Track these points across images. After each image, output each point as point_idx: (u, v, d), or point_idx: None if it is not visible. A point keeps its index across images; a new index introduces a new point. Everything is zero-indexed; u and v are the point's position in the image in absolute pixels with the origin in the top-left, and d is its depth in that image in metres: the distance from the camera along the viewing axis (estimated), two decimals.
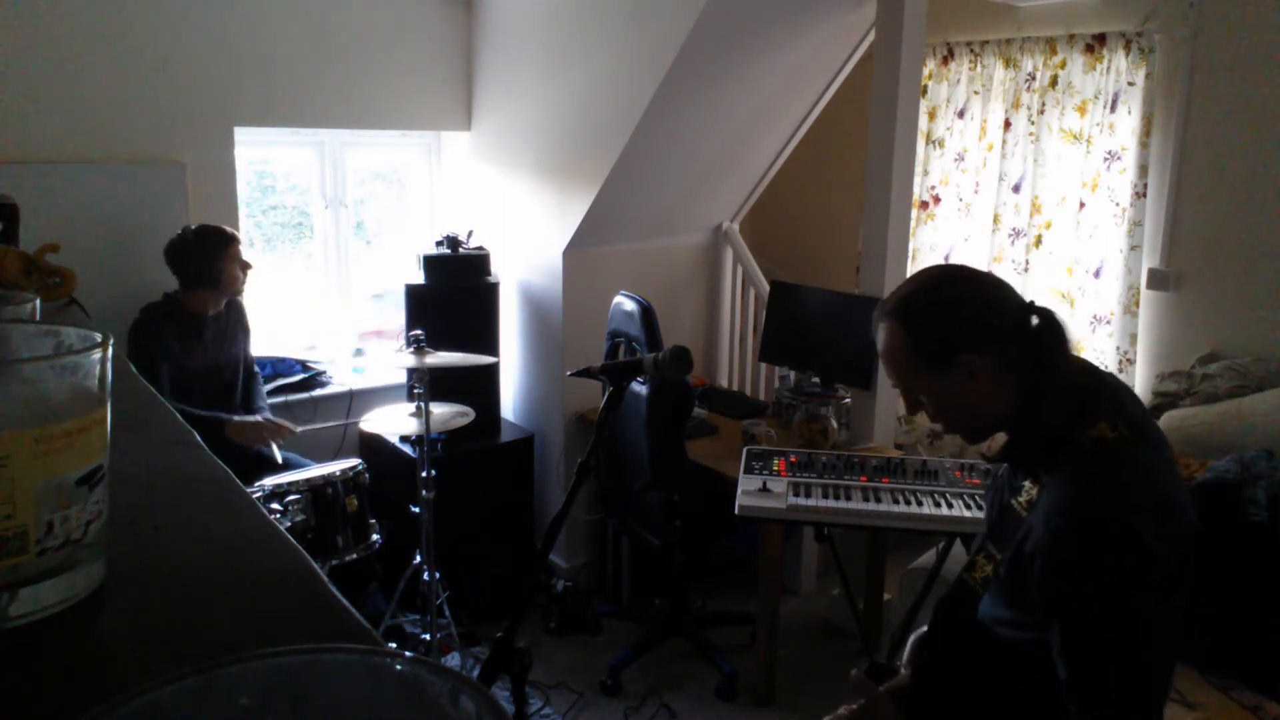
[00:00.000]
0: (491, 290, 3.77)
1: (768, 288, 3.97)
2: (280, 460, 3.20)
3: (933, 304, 1.45)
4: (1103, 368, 1.54)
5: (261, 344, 3.63)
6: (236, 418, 3.11)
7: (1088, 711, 1.29)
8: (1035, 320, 1.42)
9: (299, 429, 3.31)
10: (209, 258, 3.07)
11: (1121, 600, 1.27)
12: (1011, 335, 1.41)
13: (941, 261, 4.15)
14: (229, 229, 3.14)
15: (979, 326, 1.41)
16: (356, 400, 3.74)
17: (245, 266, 3.17)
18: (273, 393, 3.58)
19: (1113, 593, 1.27)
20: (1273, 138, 3.19)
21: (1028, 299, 1.46)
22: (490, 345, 3.63)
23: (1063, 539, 1.29)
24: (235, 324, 3.30)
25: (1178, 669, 1.59)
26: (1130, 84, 3.48)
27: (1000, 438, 1.50)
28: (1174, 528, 1.30)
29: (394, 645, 2.15)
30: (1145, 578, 1.26)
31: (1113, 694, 1.28)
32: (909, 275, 1.55)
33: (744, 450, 2.96)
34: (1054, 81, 3.70)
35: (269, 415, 3.25)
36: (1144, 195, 3.49)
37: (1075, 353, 1.47)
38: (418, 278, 3.68)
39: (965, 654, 1.52)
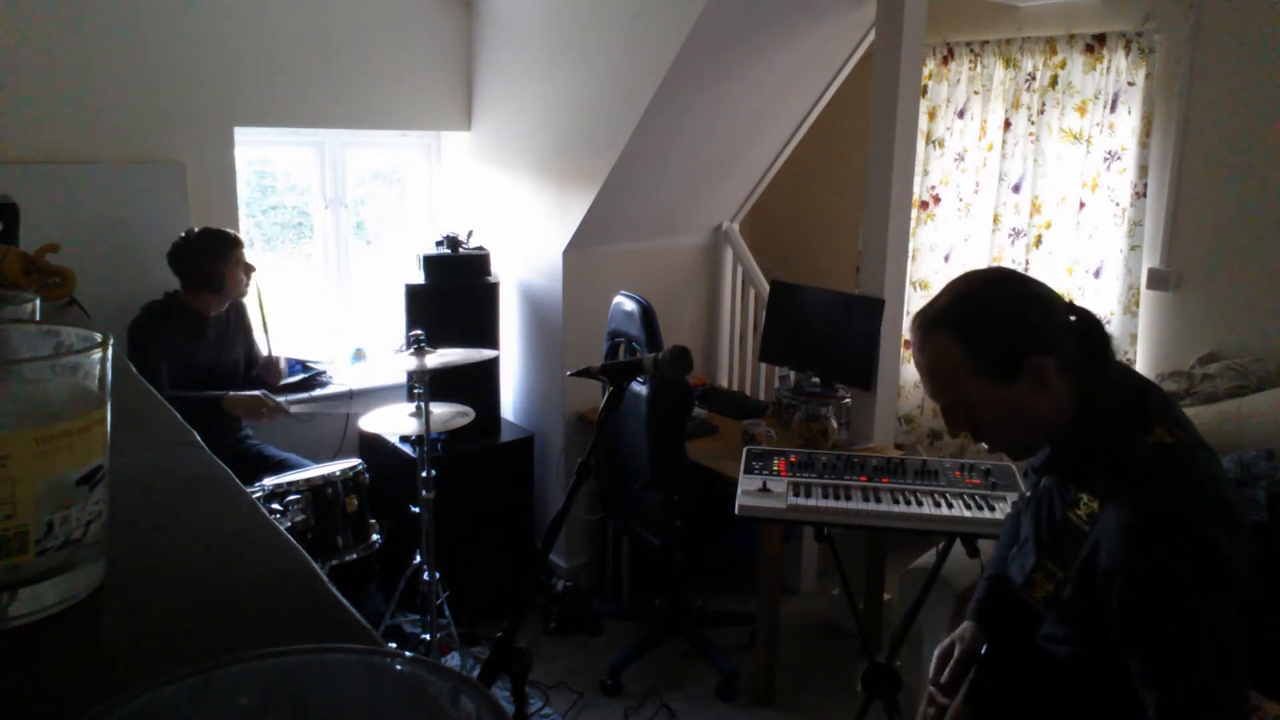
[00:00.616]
0: (491, 290, 3.77)
1: (768, 288, 3.97)
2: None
3: (990, 307, 1.32)
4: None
5: (261, 344, 3.63)
6: (233, 393, 3.12)
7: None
8: (1081, 318, 1.34)
9: (293, 408, 3.32)
10: (212, 261, 3.07)
11: (1207, 614, 1.20)
12: (1066, 333, 1.32)
13: (941, 264, 4.15)
14: (232, 232, 3.14)
15: (1042, 325, 1.31)
16: (356, 400, 3.74)
17: (249, 270, 3.17)
18: (273, 392, 3.57)
19: (1199, 607, 1.20)
20: (1273, 138, 3.19)
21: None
22: (490, 345, 3.63)
23: (1139, 559, 1.21)
24: (236, 324, 3.31)
25: None
26: (1130, 84, 3.48)
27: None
28: (1241, 532, 1.25)
29: (394, 645, 2.15)
30: (1228, 591, 1.21)
31: (1208, 712, 1.22)
32: (945, 286, 1.42)
33: (744, 450, 2.96)
34: (1054, 81, 3.70)
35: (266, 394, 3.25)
36: (1144, 195, 3.49)
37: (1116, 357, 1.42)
38: (418, 278, 3.68)
39: (1032, 678, 1.46)
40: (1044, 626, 1.40)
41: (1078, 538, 1.32)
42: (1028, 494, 1.56)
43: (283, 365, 3.40)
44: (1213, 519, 1.21)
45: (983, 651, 1.58)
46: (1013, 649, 1.48)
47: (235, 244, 3.11)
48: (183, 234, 3.11)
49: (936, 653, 1.68)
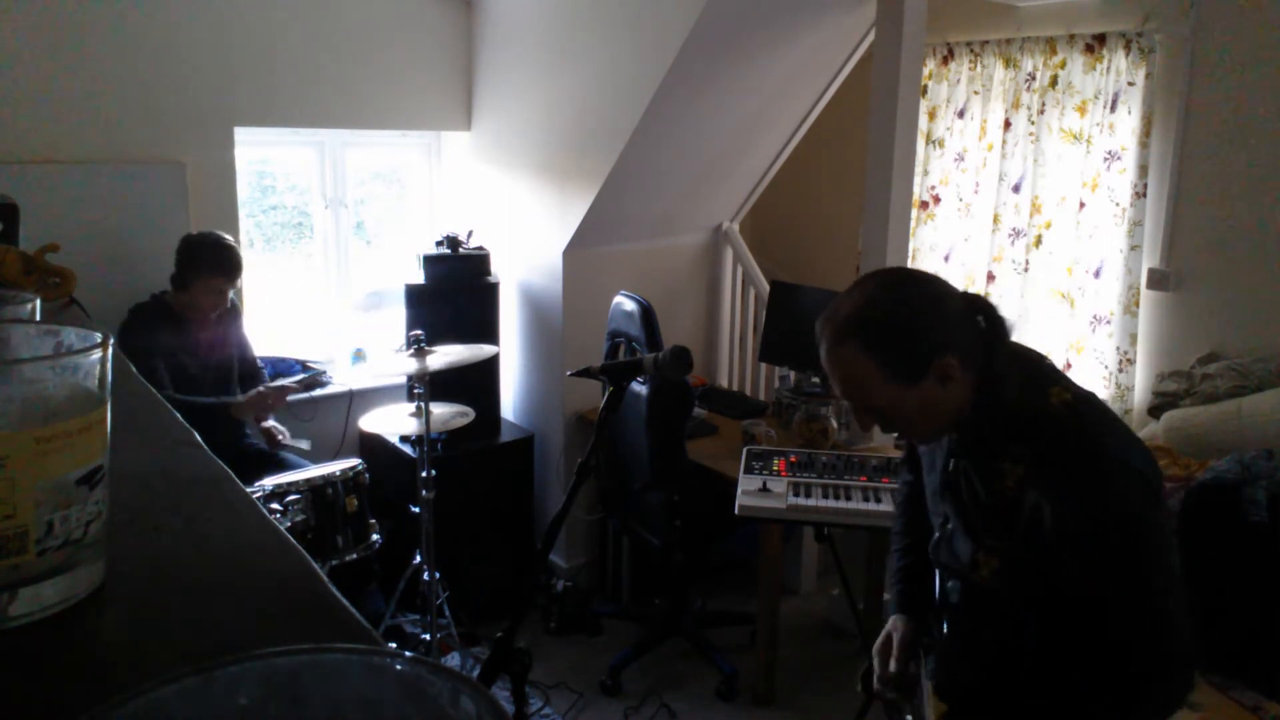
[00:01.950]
0: (491, 290, 3.77)
1: (768, 288, 3.97)
2: (307, 447, 3.20)
3: (893, 317, 1.39)
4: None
5: (261, 344, 3.63)
6: (240, 398, 3.12)
7: (1146, 645, 1.34)
8: (975, 309, 1.42)
9: (294, 383, 3.31)
10: (189, 267, 3.02)
11: (1154, 528, 1.34)
12: (963, 329, 1.40)
13: (941, 264, 4.15)
14: (230, 264, 3.04)
15: (942, 328, 1.38)
16: (356, 400, 3.74)
17: (216, 302, 3.06)
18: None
19: (1148, 525, 1.33)
20: (1273, 138, 3.19)
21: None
22: (490, 345, 3.63)
23: (1085, 508, 1.32)
24: (230, 324, 3.28)
25: None
26: (1130, 84, 3.48)
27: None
28: (1149, 456, 1.38)
29: (394, 645, 2.15)
30: (1156, 500, 1.35)
31: (1162, 621, 1.34)
32: (846, 290, 1.47)
33: (744, 450, 2.96)
34: (1054, 81, 3.70)
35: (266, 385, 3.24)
36: (1144, 195, 3.49)
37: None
38: (418, 278, 3.68)
39: (990, 671, 1.50)
40: (991, 622, 1.48)
41: (1012, 506, 1.39)
42: (934, 483, 1.60)
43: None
44: (1131, 450, 1.35)
45: (941, 642, 1.62)
46: (969, 640, 1.53)
47: (216, 272, 3.01)
48: (199, 232, 3.10)
49: (875, 649, 1.71)
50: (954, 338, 1.38)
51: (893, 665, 1.65)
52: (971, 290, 1.49)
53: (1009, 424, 1.39)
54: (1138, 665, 1.34)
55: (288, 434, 3.27)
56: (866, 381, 1.40)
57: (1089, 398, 1.41)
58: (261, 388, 3.17)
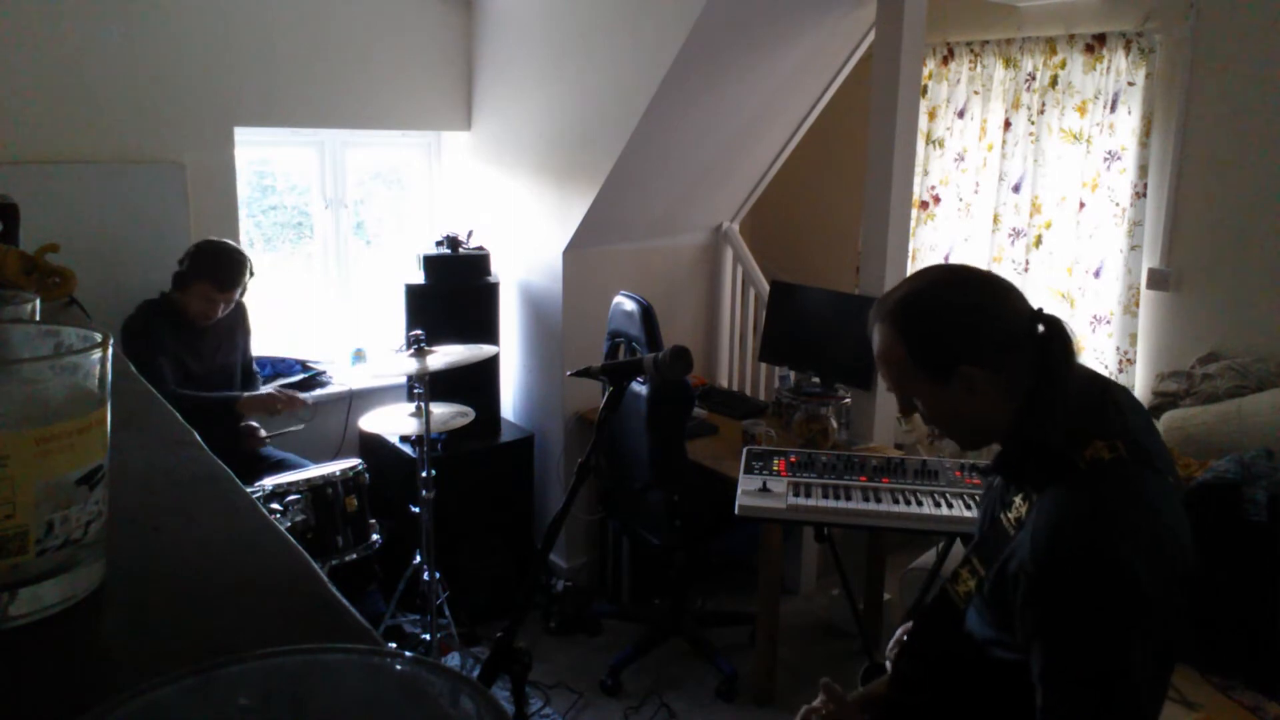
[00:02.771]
0: (491, 290, 3.77)
1: (768, 288, 3.97)
2: (308, 416, 3.21)
3: (931, 310, 1.36)
4: (1108, 374, 1.51)
5: (261, 344, 3.63)
6: (247, 393, 3.12)
7: None
8: (1041, 329, 1.33)
9: (309, 398, 3.32)
10: (189, 270, 3.02)
11: (1108, 641, 1.17)
12: (1015, 345, 1.32)
13: (941, 261, 4.15)
14: (222, 271, 3.02)
15: (979, 336, 1.33)
16: (356, 400, 3.74)
17: (206, 310, 3.04)
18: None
19: (1099, 632, 1.18)
20: (1273, 137, 3.19)
21: (1035, 305, 1.38)
22: (490, 345, 3.63)
23: (1048, 568, 1.21)
24: (235, 326, 3.29)
25: (1178, 668, 1.58)
26: (1130, 84, 3.48)
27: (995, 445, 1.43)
28: (1169, 565, 1.21)
29: (394, 645, 2.15)
30: (1136, 619, 1.17)
31: None
32: (909, 274, 1.48)
33: (744, 450, 2.96)
34: (1054, 81, 3.70)
35: (279, 387, 3.25)
36: (1144, 195, 3.49)
37: (1081, 362, 1.38)
38: (418, 278, 3.68)
39: (947, 668, 1.46)
40: (971, 622, 1.40)
41: (1003, 540, 1.34)
42: (985, 490, 1.59)
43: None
44: (1134, 545, 1.18)
45: (905, 636, 1.62)
46: (934, 640, 1.51)
47: (210, 280, 2.99)
48: (212, 239, 3.10)
49: (896, 635, 1.72)
50: (990, 351, 1.31)
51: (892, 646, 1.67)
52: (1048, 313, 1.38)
53: (1039, 460, 1.31)
54: None
55: (264, 432, 3.27)
56: (898, 367, 1.39)
57: (1136, 465, 1.26)
58: (272, 389, 3.17)
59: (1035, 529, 1.24)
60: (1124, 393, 1.42)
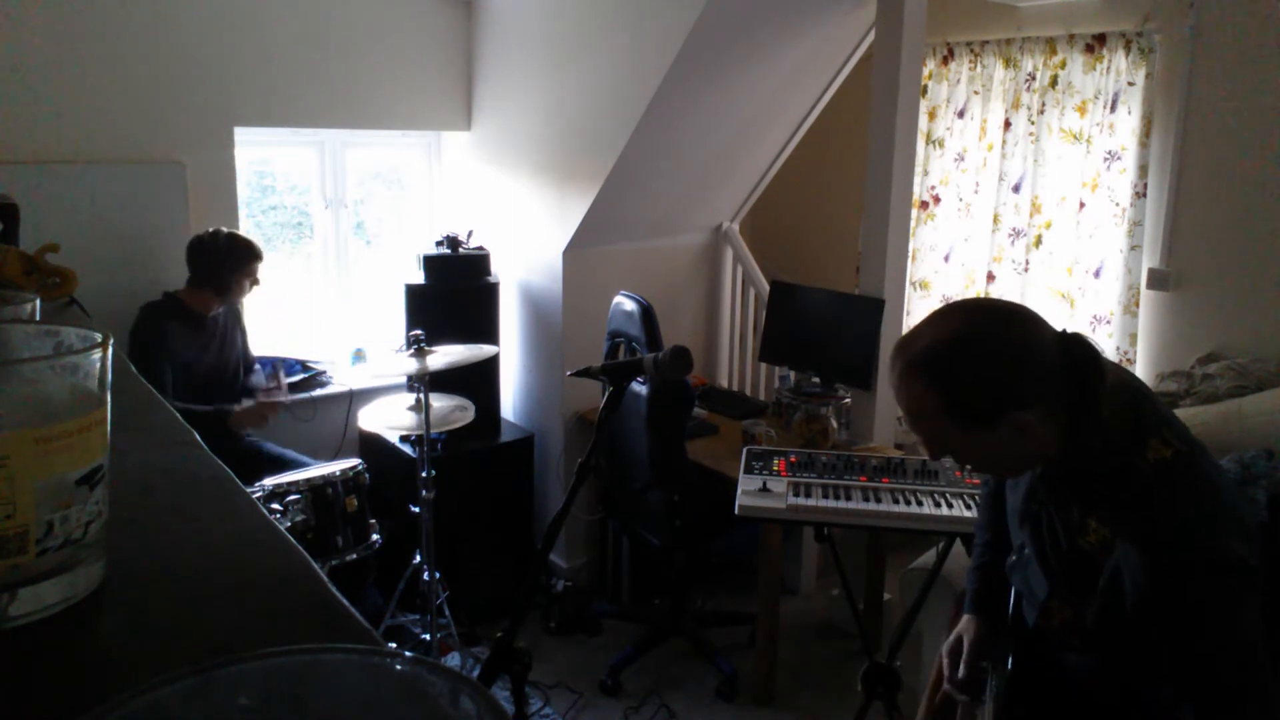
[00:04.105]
0: (491, 290, 3.77)
1: (768, 288, 3.97)
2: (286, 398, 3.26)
3: (967, 361, 1.30)
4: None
5: (261, 344, 3.63)
6: (238, 407, 3.13)
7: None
8: (1069, 352, 1.31)
9: (289, 399, 3.32)
10: (230, 268, 3.10)
11: (1232, 621, 1.23)
12: (1051, 377, 1.28)
13: (941, 264, 4.15)
14: (258, 245, 3.17)
15: (1022, 381, 1.28)
16: (356, 400, 3.74)
17: (255, 283, 3.20)
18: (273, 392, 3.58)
19: (1230, 621, 1.23)
20: (1273, 137, 3.19)
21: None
22: (490, 345, 3.63)
23: (1169, 577, 1.23)
24: (233, 323, 3.31)
25: None
26: (1130, 84, 3.48)
27: None
28: (1247, 528, 1.26)
29: (394, 645, 2.15)
30: (1248, 588, 1.23)
31: (1240, 711, 1.24)
32: (928, 315, 1.39)
33: (744, 450, 2.96)
34: (1054, 81, 3.70)
35: (259, 394, 3.25)
36: (1144, 195, 3.49)
37: (1108, 374, 1.36)
38: (418, 278, 3.68)
39: (1056, 700, 1.47)
40: (1074, 659, 1.41)
41: (1090, 566, 1.31)
42: (1016, 503, 1.55)
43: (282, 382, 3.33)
44: (1225, 528, 1.23)
45: (1009, 667, 1.56)
46: (1037, 666, 1.48)
47: (257, 258, 3.16)
48: (211, 230, 3.13)
49: (945, 651, 1.68)
50: (1035, 390, 1.28)
51: (962, 670, 1.61)
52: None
53: (1098, 479, 1.30)
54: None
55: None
56: (933, 420, 1.33)
57: (1190, 454, 1.29)
58: (251, 402, 3.18)
59: (1137, 542, 1.24)
60: (1133, 376, 1.43)
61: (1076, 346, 1.31)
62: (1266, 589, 1.33)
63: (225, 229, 3.16)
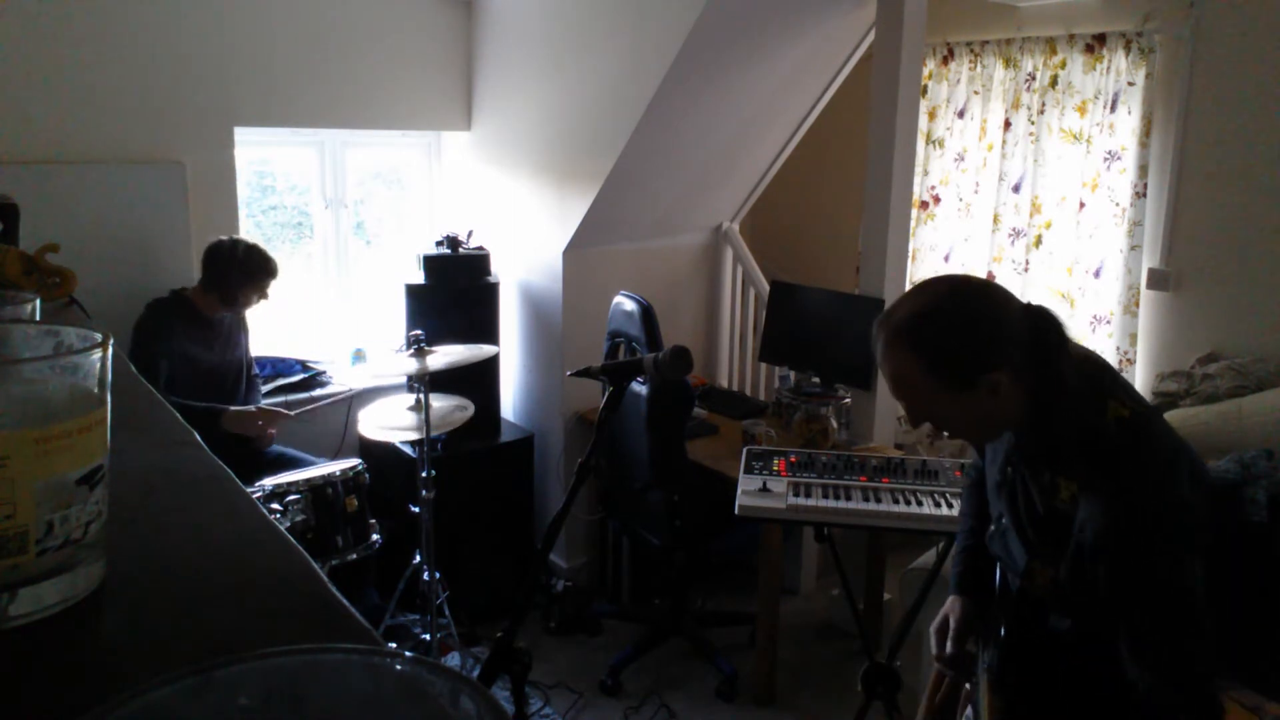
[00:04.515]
0: (491, 290, 3.77)
1: (768, 288, 3.97)
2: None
3: (946, 328, 1.41)
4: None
5: (261, 344, 3.63)
6: (233, 408, 3.13)
7: (1159, 673, 1.33)
8: (1035, 322, 1.42)
9: (293, 413, 3.32)
10: (241, 280, 3.12)
11: (1180, 567, 1.32)
12: (1019, 340, 1.40)
13: (941, 264, 4.15)
14: (276, 262, 3.19)
15: (995, 342, 1.39)
16: (356, 400, 3.74)
17: (264, 297, 3.22)
18: (273, 393, 3.59)
19: (1174, 563, 1.32)
20: (1273, 137, 3.19)
21: (1024, 299, 1.46)
22: (490, 345, 3.63)
23: (1128, 524, 1.32)
24: (237, 325, 3.31)
25: None
26: (1130, 84, 3.48)
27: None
28: (1202, 480, 1.38)
29: (394, 645, 2.15)
30: (1194, 542, 1.33)
31: (1182, 654, 1.32)
32: (907, 290, 1.50)
33: (744, 450, 2.96)
34: (1054, 81, 3.70)
35: (262, 404, 3.27)
36: (1144, 195, 3.49)
37: (1072, 346, 1.48)
38: (418, 278, 3.68)
39: (1048, 667, 1.52)
40: (1056, 621, 1.47)
41: (1065, 524, 1.40)
42: (994, 476, 1.62)
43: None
44: (1181, 480, 1.35)
45: (1001, 635, 1.62)
46: (1026, 634, 1.54)
47: (271, 275, 3.18)
48: (232, 238, 3.15)
49: (933, 630, 1.73)
50: (1007, 353, 1.39)
51: (950, 647, 1.67)
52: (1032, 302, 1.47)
53: (1065, 440, 1.40)
54: (1164, 674, 1.33)
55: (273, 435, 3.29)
56: (915, 385, 1.43)
57: (1148, 414, 1.41)
58: (255, 407, 3.18)
59: (1103, 496, 1.35)
60: (1091, 350, 1.54)
61: (1041, 318, 1.42)
62: (1264, 593, 1.36)
63: (247, 241, 3.17)
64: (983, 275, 3.98)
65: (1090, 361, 1.47)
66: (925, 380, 1.41)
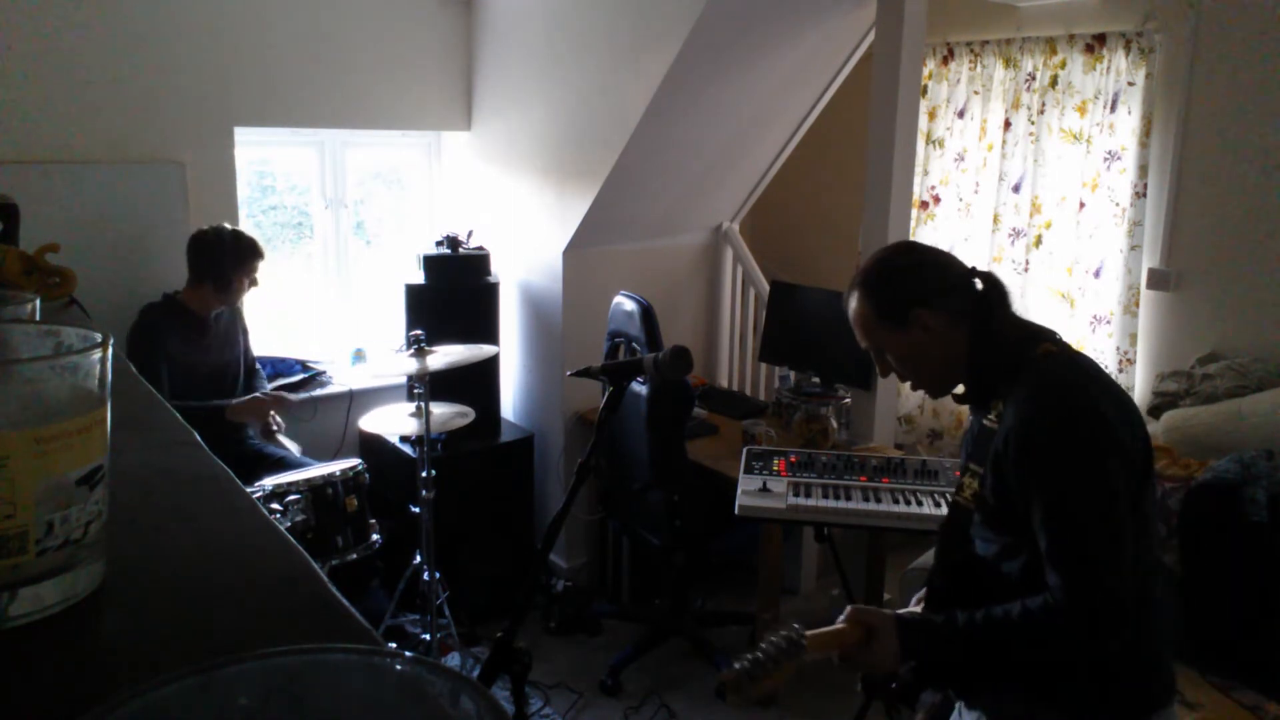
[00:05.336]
0: (491, 290, 3.77)
1: (768, 288, 3.97)
2: (296, 451, 3.24)
3: (887, 270, 1.64)
4: (1108, 374, 1.62)
5: (261, 344, 3.63)
6: (235, 400, 3.13)
7: (1059, 568, 1.38)
8: (980, 282, 1.61)
9: (296, 396, 3.32)
10: (231, 263, 3.09)
11: (1092, 465, 1.39)
12: (958, 291, 1.59)
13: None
14: (261, 245, 3.17)
15: (927, 285, 1.59)
16: (356, 400, 3.74)
17: (254, 283, 3.19)
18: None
19: (1083, 459, 1.40)
20: (1273, 137, 3.19)
21: (1023, 300, 1.54)
22: (490, 345, 3.63)
23: (1033, 421, 1.43)
24: (235, 325, 3.31)
25: (1178, 669, 1.58)
26: (1130, 84, 3.48)
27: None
28: (1130, 415, 1.46)
29: (394, 645, 2.15)
30: (1111, 447, 1.40)
31: (1087, 553, 1.37)
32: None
33: (744, 450, 2.96)
34: (1054, 81, 3.70)
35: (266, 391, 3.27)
36: (1144, 195, 3.49)
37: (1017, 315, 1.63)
38: (418, 278, 3.68)
39: (970, 579, 1.57)
40: (981, 543, 1.55)
41: (989, 436, 1.53)
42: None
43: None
44: (1098, 392, 1.44)
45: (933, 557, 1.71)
46: (955, 552, 1.63)
47: (258, 255, 3.15)
48: (211, 227, 3.13)
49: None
50: (937, 295, 1.58)
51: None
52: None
53: (1001, 370, 1.54)
54: (1059, 595, 1.37)
55: (283, 425, 3.28)
56: (865, 323, 1.64)
57: (1077, 354, 1.55)
58: (258, 393, 3.18)
59: (1016, 402, 1.47)
60: (1045, 327, 1.65)
61: (987, 278, 1.62)
62: (1263, 593, 1.35)
63: (228, 225, 3.16)
64: None
65: (1031, 324, 1.62)
66: (870, 316, 1.62)
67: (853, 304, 1.67)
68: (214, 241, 3.09)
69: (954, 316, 1.58)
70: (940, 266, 1.64)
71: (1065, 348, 1.54)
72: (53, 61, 3.07)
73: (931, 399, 1.80)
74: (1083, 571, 1.37)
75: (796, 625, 1.48)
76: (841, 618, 1.57)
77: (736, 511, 2.70)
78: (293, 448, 3.30)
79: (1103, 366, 1.58)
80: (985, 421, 1.55)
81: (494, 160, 4.03)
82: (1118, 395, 1.49)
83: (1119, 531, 1.38)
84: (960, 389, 1.64)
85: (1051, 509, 1.40)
